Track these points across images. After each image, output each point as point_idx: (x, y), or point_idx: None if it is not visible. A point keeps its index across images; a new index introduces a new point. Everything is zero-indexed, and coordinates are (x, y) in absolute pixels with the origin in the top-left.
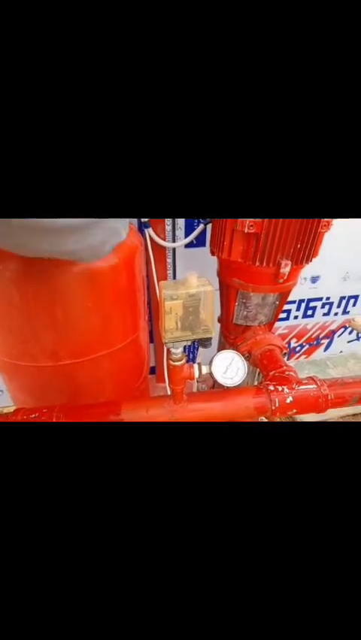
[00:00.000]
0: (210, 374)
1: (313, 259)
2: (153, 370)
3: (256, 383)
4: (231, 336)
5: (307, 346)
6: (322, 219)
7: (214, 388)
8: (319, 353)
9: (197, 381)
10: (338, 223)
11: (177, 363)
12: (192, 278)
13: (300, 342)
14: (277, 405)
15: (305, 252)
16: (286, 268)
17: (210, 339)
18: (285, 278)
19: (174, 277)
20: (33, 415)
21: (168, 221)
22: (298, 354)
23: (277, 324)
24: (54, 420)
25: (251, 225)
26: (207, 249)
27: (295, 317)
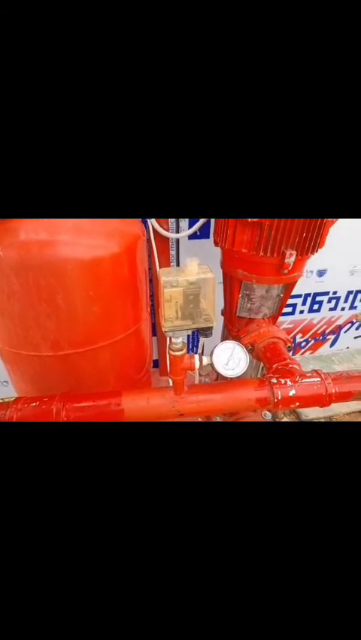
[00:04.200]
0: (211, 365)
1: (320, 250)
2: (156, 363)
3: (259, 377)
4: (234, 329)
5: (312, 341)
6: None
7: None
8: (325, 349)
9: (199, 374)
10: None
11: (177, 353)
12: (192, 265)
13: (305, 338)
14: (279, 398)
15: (311, 241)
16: (290, 258)
17: (211, 328)
18: (290, 268)
19: None
20: (34, 404)
21: None
22: (303, 350)
23: (282, 318)
24: (53, 408)
25: None
26: (211, 240)
27: (301, 311)
